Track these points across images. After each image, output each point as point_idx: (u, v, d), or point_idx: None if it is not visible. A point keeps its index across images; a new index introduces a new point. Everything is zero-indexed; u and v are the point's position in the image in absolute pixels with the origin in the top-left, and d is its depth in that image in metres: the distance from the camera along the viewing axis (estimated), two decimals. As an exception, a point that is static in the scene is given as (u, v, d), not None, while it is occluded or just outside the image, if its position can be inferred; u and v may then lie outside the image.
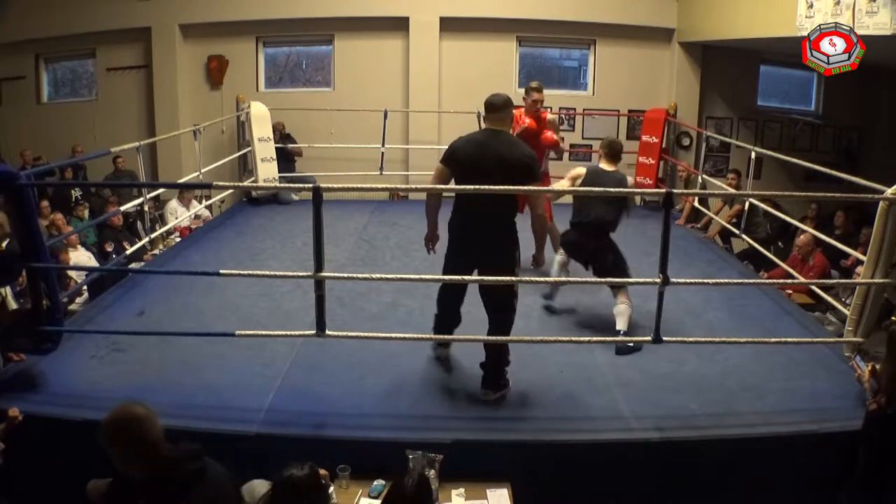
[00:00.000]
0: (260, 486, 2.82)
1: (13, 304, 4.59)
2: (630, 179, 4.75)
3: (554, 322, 4.94)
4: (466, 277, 3.76)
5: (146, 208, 6.99)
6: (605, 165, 4.81)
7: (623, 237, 7.24)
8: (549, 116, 5.93)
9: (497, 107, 3.82)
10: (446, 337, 4.13)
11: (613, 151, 4.82)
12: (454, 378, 4.07)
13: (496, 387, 3.85)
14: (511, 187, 3.56)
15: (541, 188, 3.78)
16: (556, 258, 5.04)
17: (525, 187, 3.65)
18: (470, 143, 3.78)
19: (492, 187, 3.51)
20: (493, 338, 3.86)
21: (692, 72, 9.40)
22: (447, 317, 4.09)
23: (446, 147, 3.85)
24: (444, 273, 3.90)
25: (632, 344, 4.36)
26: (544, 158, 5.78)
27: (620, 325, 4.51)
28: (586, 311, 5.15)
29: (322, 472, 2.85)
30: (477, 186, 3.52)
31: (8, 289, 4.61)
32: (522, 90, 9.62)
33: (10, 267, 3.84)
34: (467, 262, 3.78)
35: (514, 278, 3.77)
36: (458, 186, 3.73)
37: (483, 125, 3.88)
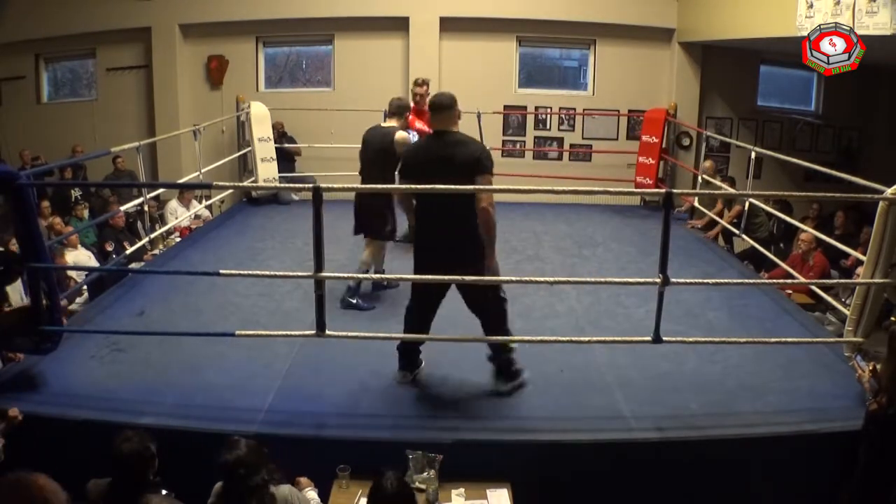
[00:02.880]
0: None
1: (20, 302, 4.59)
2: (399, 134, 4.98)
3: (554, 322, 4.94)
4: (485, 278, 3.69)
5: (146, 208, 7.00)
6: (385, 123, 5.19)
7: (624, 237, 7.31)
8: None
9: (442, 106, 3.74)
10: (451, 337, 4.11)
11: (391, 110, 5.21)
12: (454, 378, 4.07)
13: (508, 376, 3.88)
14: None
15: (490, 187, 3.65)
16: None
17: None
18: (416, 150, 3.78)
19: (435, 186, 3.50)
20: (493, 337, 3.87)
21: (692, 72, 9.40)
22: (414, 326, 3.93)
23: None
24: (417, 287, 3.85)
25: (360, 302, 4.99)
26: None
27: (351, 281, 4.98)
28: (587, 311, 5.15)
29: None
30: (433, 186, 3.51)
31: (19, 287, 4.61)
32: (522, 91, 9.78)
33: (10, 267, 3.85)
34: (437, 269, 3.65)
35: (519, 278, 3.78)
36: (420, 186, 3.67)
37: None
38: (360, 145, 5.21)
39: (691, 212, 8.22)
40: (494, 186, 3.63)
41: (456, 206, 3.59)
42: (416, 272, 3.81)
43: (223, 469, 2.74)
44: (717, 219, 7.38)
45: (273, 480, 2.82)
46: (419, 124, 6.12)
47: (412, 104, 6.07)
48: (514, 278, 4.13)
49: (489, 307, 3.83)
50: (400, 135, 4.97)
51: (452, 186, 3.46)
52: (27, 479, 1.87)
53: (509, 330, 3.93)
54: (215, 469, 2.77)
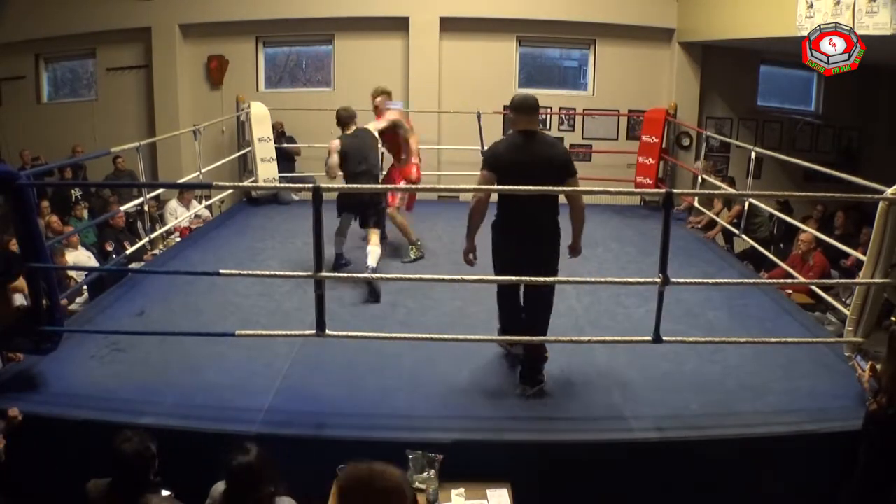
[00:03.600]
0: (221, 486, 2.83)
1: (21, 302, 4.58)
2: (331, 143, 5.60)
3: (554, 322, 4.93)
4: (485, 278, 3.78)
5: (146, 208, 7.00)
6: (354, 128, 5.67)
7: (624, 237, 7.30)
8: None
9: (531, 108, 3.90)
10: (454, 337, 4.09)
11: (339, 120, 5.77)
12: (455, 378, 4.07)
13: (533, 382, 3.92)
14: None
15: (580, 189, 3.91)
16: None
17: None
18: (511, 148, 3.86)
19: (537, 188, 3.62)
20: (500, 337, 3.88)
21: (692, 72, 9.40)
22: (513, 314, 4.12)
23: (487, 152, 3.94)
24: (502, 272, 3.92)
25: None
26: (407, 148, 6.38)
27: (371, 261, 5.29)
28: (587, 311, 5.15)
29: None
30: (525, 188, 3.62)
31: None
32: (522, 91, 9.75)
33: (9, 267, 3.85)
34: (524, 262, 3.82)
35: (558, 279, 3.92)
36: (499, 187, 3.76)
37: (514, 127, 3.91)
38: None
39: (689, 210, 8.22)
40: (495, 186, 3.68)
41: (546, 203, 3.84)
42: (504, 261, 3.92)
43: (234, 472, 2.71)
44: (717, 219, 7.38)
45: (279, 491, 2.81)
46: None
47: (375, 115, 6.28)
48: (513, 278, 4.12)
49: (546, 302, 4.00)
50: (331, 143, 5.56)
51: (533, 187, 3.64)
52: (374, 471, 1.84)
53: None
54: (225, 472, 2.75)
